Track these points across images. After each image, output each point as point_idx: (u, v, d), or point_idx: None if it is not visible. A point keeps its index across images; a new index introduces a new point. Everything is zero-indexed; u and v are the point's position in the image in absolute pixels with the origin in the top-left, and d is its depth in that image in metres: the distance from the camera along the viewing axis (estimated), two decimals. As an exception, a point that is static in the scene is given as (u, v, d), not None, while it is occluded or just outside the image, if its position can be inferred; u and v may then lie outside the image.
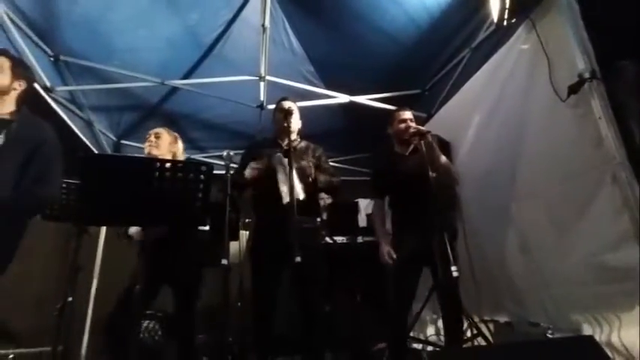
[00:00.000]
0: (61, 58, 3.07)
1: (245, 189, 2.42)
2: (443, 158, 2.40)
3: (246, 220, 3.53)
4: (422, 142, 2.22)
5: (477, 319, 2.65)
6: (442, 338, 2.95)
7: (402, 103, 3.17)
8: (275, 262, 2.21)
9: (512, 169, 2.48)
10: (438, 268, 1.98)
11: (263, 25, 3.02)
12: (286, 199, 2.18)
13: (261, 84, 3.49)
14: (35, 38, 2.85)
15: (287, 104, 2.43)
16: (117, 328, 2.15)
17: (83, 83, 3.36)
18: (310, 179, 2.32)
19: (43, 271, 3.85)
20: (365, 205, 3.89)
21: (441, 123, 3.40)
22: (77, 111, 3.58)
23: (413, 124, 2.48)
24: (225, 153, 2.22)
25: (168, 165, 1.71)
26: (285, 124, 2.32)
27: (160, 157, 2.37)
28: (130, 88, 3.49)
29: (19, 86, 1.91)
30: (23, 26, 2.74)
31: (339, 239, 3.87)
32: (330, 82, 3.72)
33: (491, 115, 2.72)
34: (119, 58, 3.18)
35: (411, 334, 3.08)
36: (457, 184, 2.76)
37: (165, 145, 2.46)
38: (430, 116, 3.73)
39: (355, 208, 3.77)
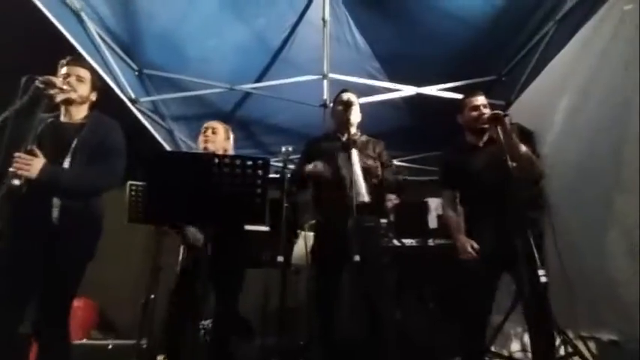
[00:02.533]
0: (144, 71, 3.40)
1: (304, 185, 2.37)
2: (523, 148, 2.12)
3: (311, 222, 3.52)
4: (498, 128, 1.98)
5: (572, 335, 2.28)
6: (529, 355, 2.59)
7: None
8: (336, 262, 2.14)
9: (614, 155, 2.11)
10: (523, 272, 1.74)
11: (323, 19, 3.00)
12: (357, 199, 2.05)
13: (324, 82, 3.48)
14: (121, 53, 3.19)
15: (346, 95, 2.36)
16: (175, 328, 2.21)
17: (163, 94, 3.66)
18: (376, 180, 2.21)
19: (136, 269, 4.25)
20: (435, 205, 3.63)
21: (521, 110, 3.07)
22: (160, 120, 3.93)
23: (487, 110, 2.23)
24: (283, 149, 2.23)
25: (227, 160, 1.74)
26: (345, 117, 2.24)
27: (215, 152, 2.39)
28: (204, 96, 3.72)
29: (94, 97, 2.10)
30: (111, 43, 3.08)
31: (408, 242, 3.65)
32: (396, 76, 3.59)
33: (585, 96, 2.36)
34: (193, 67, 3.40)
35: (492, 348, 2.77)
36: (542, 177, 2.42)
37: (220, 140, 2.46)
38: (509, 104, 3.39)
39: (425, 209, 3.54)
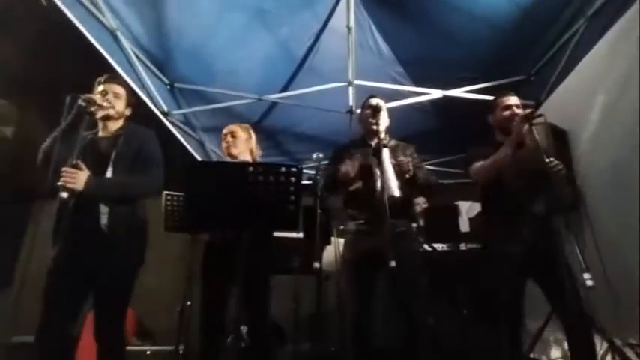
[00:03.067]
0: (175, 85, 3.53)
1: (336, 190, 2.37)
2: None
3: (341, 227, 3.53)
4: (531, 127, 1.95)
5: (618, 342, 2.19)
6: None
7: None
8: (369, 268, 2.12)
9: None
10: (558, 278, 1.69)
11: (348, 27, 3.03)
12: (390, 193, 2.06)
13: (350, 89, 3.51)
14: (154, 69, 3.34)
15: (374, 101, 2.36)
16: (211, 333, 2.22)
17: (194, 106, 3.79)
18: (408, 175, 2.15)
19: (172, 277, 4.37)
20: (466, 208, 3.57)
21: (553, 110, 2.98)
22: (191, 132, 4.06)
23: (519, 110, 2.19)
24: (314, 156, 2.25)
25: (260, 169, 1.78)
26: (374, 122, 2.24)
27: (239, 155, 2.43)
28: (232, 107, 3.80)
29: (128, 112, 2.20)
30: (144, 59, 3.22)
31: (439, 246, 3.60)
32: (420, 80, 3.59)
33: (622, 92, 2.28)
34: (222, 79, 3.51)
35: (532, 355, 2.69)
36: (576, 178, 2.35)
37: (242, 143, 2.47)
38: (539, 104, 3.32)
39: (455, 212, 3.48)
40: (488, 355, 2.85)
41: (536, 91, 3.37)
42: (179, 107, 3.72)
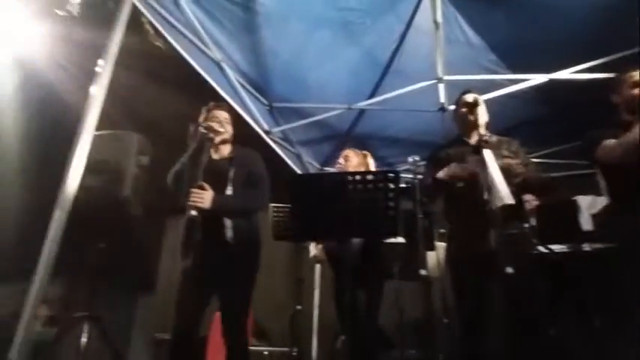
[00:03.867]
0: (274, 104, 3.84)
1: (437, 194, 2.32)
2: None
3: (441, 231, 3.41)
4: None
5: None
6: None
7: (616, 69, 2.47)
8: (479, 274, 2.02)
9: None
10: None
11: (435, 22, 2.96)
12: (498, 202, 1.92)
13: (440, 86, 3.41)
14: (254, 92, 3.68)
15: (470, 97, 2.25)
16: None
17: (290, 122, 4.05)
18: (519, 179, 2.04)
19: (282, 281, 4.69)
20: (587, 203, 3.14)
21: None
22: (289, 147, 4.35)
23: None
24: (410, 159, 2.24)
25: (358, 177, 1.85)
26: (472, 118, 2.13)
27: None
28: (324, 120, 3.99)
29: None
30: (246, 84, 3.57)
31: (557, 248, 3.24)
32: (518, 66, 3.32)
33: None
34: (313, 94, 3.71)
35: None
36: None
37: (353, 165, 2.67)
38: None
39: (574, 208, 3.09)
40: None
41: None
42: (278, 125, 4.02)
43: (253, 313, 4.59)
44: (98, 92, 2.16)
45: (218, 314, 2.22)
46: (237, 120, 2.60)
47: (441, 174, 2.17)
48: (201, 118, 2.37)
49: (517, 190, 2.03)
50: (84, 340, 2.39)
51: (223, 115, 2.40)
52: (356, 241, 2.38)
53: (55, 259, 1.92)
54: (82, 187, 2.11)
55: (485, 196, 1.93)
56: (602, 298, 2.86)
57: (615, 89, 2.11)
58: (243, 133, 2.74)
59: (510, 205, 1.90)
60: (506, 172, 2.00)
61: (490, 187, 1.89)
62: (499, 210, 1.79)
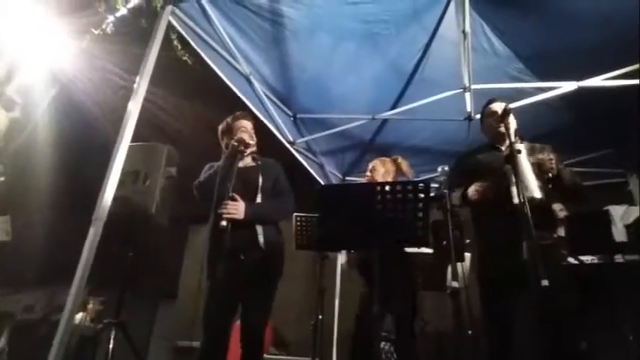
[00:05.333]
0: (298, 116, 3.89)
1: (464, 204, 2.28)
2: None
3: (467, 241, 3.36)
4: None
5: None
6: None
7: None
8: (509, 286, 1.98)
9: None
10: None
11: (464, 32, 2.95)
12: (526, 194, 1.85)
13: (466, 95, 3.39)
14: (280, 104, 3.74)
15: (498, 106, 2.24)
16: (358, 353, 2.35)
17: (314, 133, 4.10)
18: (551, 175, 1.94)
19: (302, 291, 4.69)
20: (620, 213, 3.06)
21: None
22: (312, 157, 4.40)
23: None
24: (440, 169, 2.21)
25: (387, 187, 1.85)
26: (502, 127, 2.08)
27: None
28: (347, 130, 4.01)
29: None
30: (272, 97, 3.63)
31: (588, 259, 3.15)
32: (545, 74, 3.28)
33: None
34: (337, 105, 3.74)
35: None
36: None
37: (380, 175, 2.71)
38: None
39: (606, 219, 3.01)
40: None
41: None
42: (302, 135, 4.08)
43: (274, 323, 4.63)
44: (134, 107, 2.24)
45: (237, 324, 2.24)
46: (261, 130, 2.65)
47: (471, 191, 2.14)
48: (222, 126, 2.45)
49: (549, 188, 1.96)
50: (111, 346, 2.44)
51: (250, 125, 2.46)
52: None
53: (91, 267, 1.98)
54: (115, 196, 2.18)
55: (514, 191, 1.86)
56: (635, 311, 2.77)
57: None
58: (265, 143, 2.78)
59: (540, 208, 1.84)
60: (538, 166, 1.94)
61: (519, 182, 1.80)
62: (528, 204, 1.70)
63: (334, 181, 4.70)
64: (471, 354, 2.97)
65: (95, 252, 2.01)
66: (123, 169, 2.23)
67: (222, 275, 2.13)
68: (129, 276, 2.71)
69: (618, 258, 3.03)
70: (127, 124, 2.21)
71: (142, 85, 2.28)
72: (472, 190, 2.14)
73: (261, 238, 2.21)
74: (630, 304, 2.83)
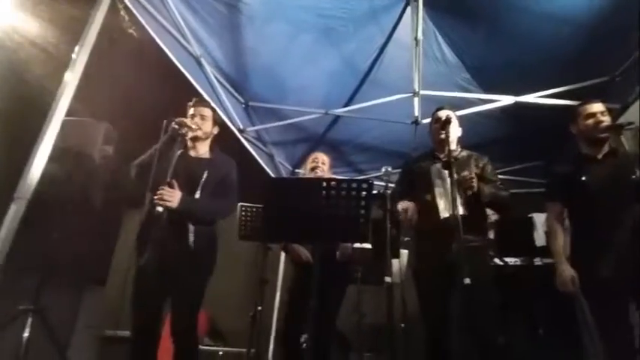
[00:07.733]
0: (250, 104, 3.80)
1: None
2: None
3: (405, 239, 3.51)
4: (619, 138, 1.85)
5: None
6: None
7: (583, 96, 2.66)
8: (440, 284, 2.11)
9: None
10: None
11: (416, 39, 3.03)
12: (444, 214, 2.11)
13: (415, 100, 3.50)
14: (232, 90, 3.63)
15: (443, 113, 2.34)
16: (286, 341, 2.38)
17: (266, 123, 4.03)
18: (471, 192, 2.12)
19: (243, 282, 4.62)
20: (542, 220, 3.36)
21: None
22: (262, 147, 4.33)
23: (606, 118, 2.08)
24: (384, 169, 2.31)
25: (333, 184, 1.88)
26: (444, 134, 2.20)
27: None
28: (300, 122, 4.00)
29: (216, 131, 2.42)
30: (224, 82, 3.52)
31: (512, 261, 3.43)
32: (489, 86, 3.48)
33: None
34: (291, 96, 3.71)
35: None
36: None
37: (326, 169, 2.76)
38: (625, 107, 3.09)
39: (529, 225, 3.29)
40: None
41: (622, 94, 3.12)
42: (253, 124, 4.00)
43: (210, 314, 4.53)
44: (72, 78, 2.07)
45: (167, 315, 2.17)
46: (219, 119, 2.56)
47: (399, 211, 2.26)
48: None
49: (471, 201, 2.12)
50: (26, 335, 2.27)
51: (202, 111, 2.35)
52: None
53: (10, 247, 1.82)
54: (43, 174, 2.01)
55: (441, 207, 2.09)
56: (548, 309, 3.07)
57: (573, 120, 2.24)
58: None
59: (466, 216, 1.98)
60: (458, 184, 2.06)
61: (449, 197, 1.98)
62: (458, 218, 1.85)
63: (283, 172, 4.67)
64: (403, 345, 3.13)
65: (15, 232, 1.85)
66: (55, 146, 2.06)
67: (149, 263, 2.04)
68: (52, 260, 2.49)
69: (537, 261, 3.33)
70: (61, 96, 2.03)
71: (81, 56, 2.10)
72: (400, 211, 2.25)
73: (191, 237, 2.12)
74: (543, 301, 3.13)
